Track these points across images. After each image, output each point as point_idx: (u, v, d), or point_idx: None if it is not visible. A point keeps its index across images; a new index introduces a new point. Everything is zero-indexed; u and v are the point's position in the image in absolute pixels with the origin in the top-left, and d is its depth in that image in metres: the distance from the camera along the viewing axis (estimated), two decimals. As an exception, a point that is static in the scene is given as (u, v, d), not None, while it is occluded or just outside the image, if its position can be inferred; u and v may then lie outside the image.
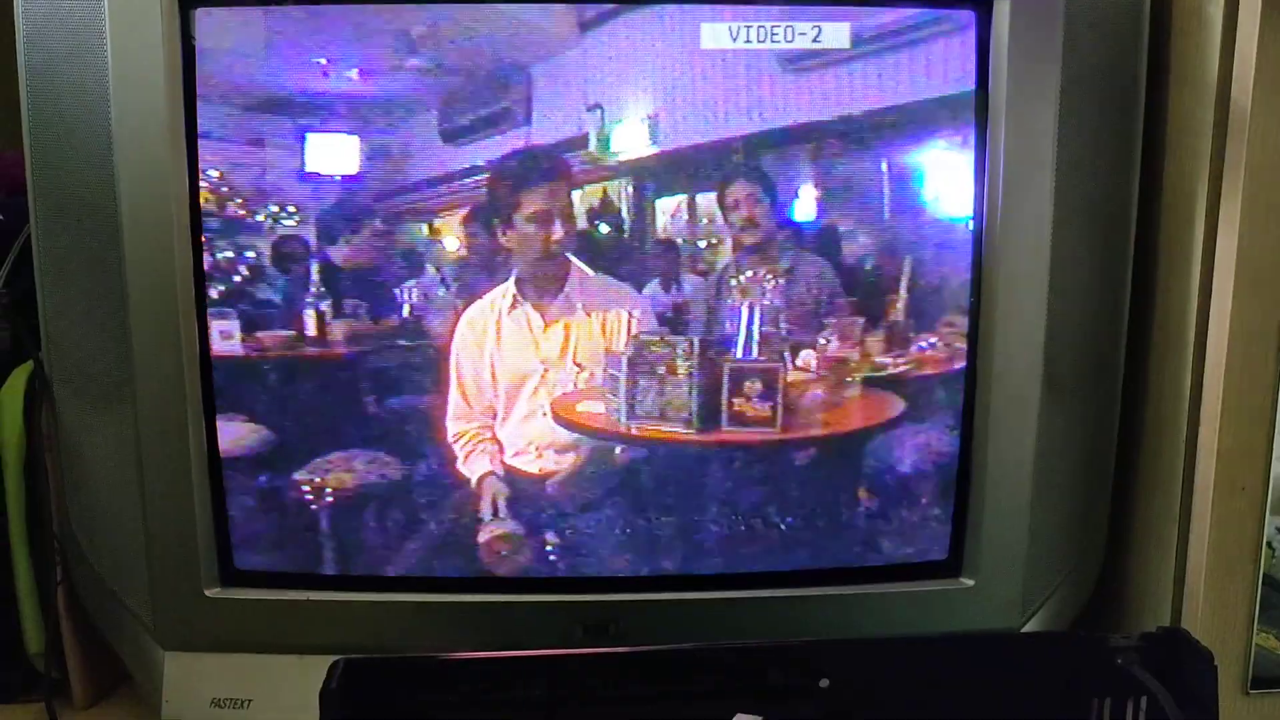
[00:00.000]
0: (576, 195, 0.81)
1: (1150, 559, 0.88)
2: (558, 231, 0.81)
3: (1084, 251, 0.83)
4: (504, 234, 0.81)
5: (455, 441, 0.84)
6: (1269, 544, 0.99)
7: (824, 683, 0.70)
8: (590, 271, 0.82)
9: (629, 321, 0.83)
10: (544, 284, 0.83)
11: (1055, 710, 0.72)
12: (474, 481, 0.84)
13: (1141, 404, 0.89)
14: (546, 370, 0.83)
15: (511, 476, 0.84)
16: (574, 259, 0.82)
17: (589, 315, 0.83)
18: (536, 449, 0.84)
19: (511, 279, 0.82)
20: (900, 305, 0.83)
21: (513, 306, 0.83)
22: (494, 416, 0.84)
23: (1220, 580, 0.82)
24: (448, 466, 0.84)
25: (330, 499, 0.83)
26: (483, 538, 0.84)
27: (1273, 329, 0.78)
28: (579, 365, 0.83)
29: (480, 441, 0.84)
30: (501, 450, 0.84)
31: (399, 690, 0.68)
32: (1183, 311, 0.83)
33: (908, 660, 0.72)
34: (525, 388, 0.84)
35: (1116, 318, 0.87)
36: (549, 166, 0.81)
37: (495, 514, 0.84)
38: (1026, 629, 0.87)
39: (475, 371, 0.83)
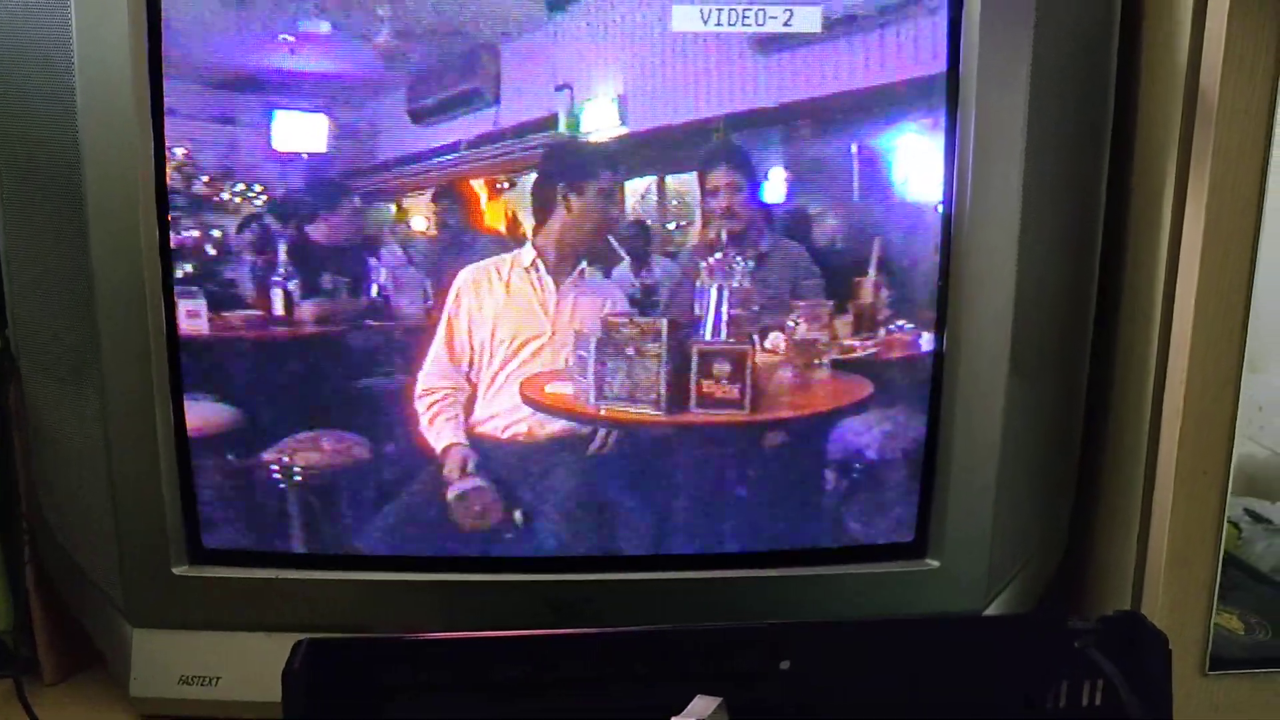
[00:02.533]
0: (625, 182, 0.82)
1: (1113, 541, 0.89)
2: (603, 217, 0.82)
3: (1052, 235, 0.84)
4: (566, 199, 0.82)
5: (423, 397, 0.83)
6: (1235, 525, 1.01)
7: (784, 664, 0.70)
8: (621, 251, 0.83)
9: (602, 302, 0.83)
10: (566, 254, 0.82)
11: (1014, 692, 0.73)
12: (440, 450, 0.84)
13: (1107, 387, 0.89)
14: (554, 334, 0.83)
15: (480, 443, 0.84)
16: (613, 240, 0.82)
17: (582, 295, 0.83)
18: (512, 423, 0.84)
19: (528, 244, 0.82)
20: (869, 288, 0.84)
21: (530, 267, 0.82)
22: (472, 379, 0.84)
23: (1181, 563, 0.83)
24: (415, 442, 0.84)
25: (299, 478, 0.83)
26: (452, 494, 0.84)
27: (1237, 314, 0.79)
28: (579, 334, 0.83)
29: (450, 404, 0.84)
30: (471, 413, 0.84)
31: (363, 670, 0.69)
32: (1148, 296, 0.83)
33: (867, 642, 0.73)
34: (524, 350, 0.83)
35: (1084, 301, 0.87)
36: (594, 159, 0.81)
37: (464, 472, 0.84)
38: (991, 609, 0.88)
39: (470, 327, 0.83)
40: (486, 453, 0.85)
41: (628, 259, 0.83)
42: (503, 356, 0.83)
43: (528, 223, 0.82)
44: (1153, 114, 0.83)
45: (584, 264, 0.83)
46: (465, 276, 0.82)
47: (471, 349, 0.83)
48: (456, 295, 0.82)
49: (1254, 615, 0.91)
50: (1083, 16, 0.82)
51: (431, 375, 0.83)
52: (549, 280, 0.83)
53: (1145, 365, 0.84)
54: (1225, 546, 0.83)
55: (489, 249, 0.82)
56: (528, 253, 0.82)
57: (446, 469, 0.84)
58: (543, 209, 0.82)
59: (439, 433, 0.84)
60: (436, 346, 0.83)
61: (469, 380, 0.84)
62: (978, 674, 0.73)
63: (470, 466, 0.84)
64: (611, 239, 0.82)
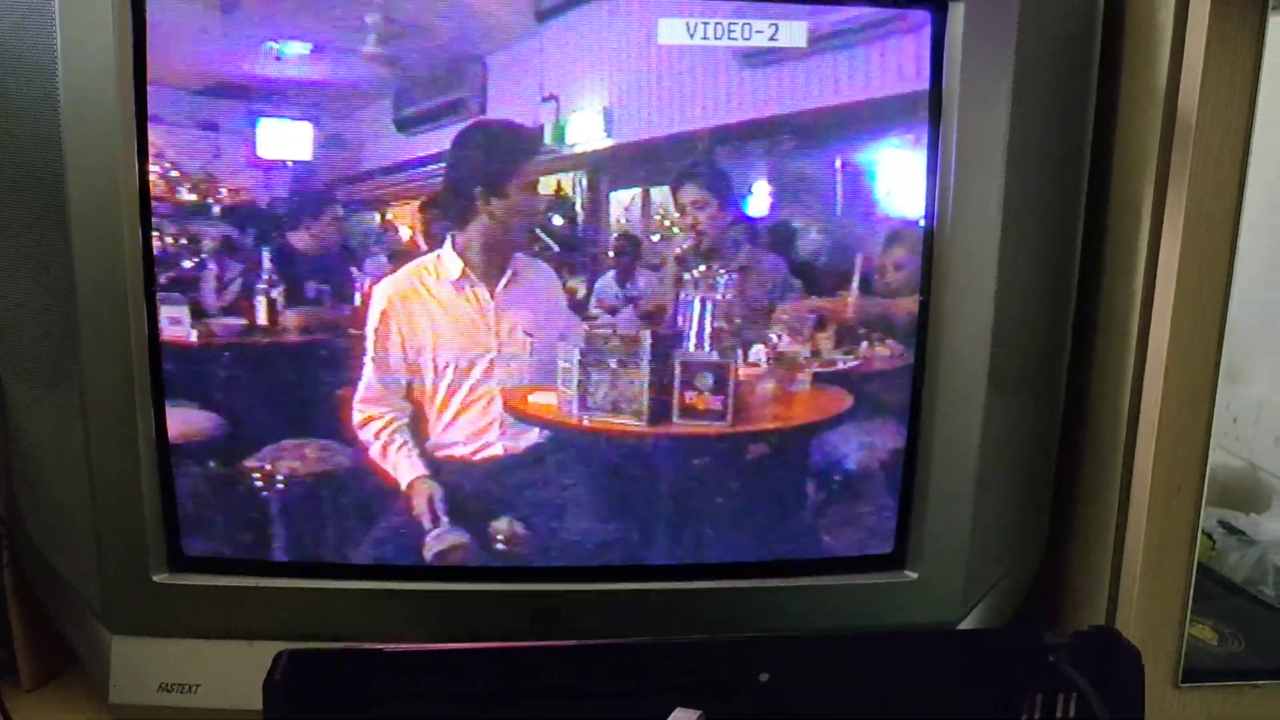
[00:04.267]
0: (542, 180, 0.81)
1: (1089, 554, 0.90)
2: (522, 213, 0.81)
3: (1032, 252, 0.85)
4: (488, 203, 0.81)
5: (364, 427, 0.83)
6: (1209, 536, 1.02)
7: (763, 677, 0.71)
8: (546, 259, 0.82)
9: (580, 312, 0.83)
10: (494, 264, 0.82)
11: (990, 704, 0.74)
12: (404, 486, 0.84)
13: (1084, 402, 0.90)
14: (501, 349, 0.83)
15: (446, 472, 0.84)
16: (543, 234, 0.82)
17: (540, 302, 0.83)
18: (485, 435, 0.84)
19: (448, 246, 0.81)
20: (850, 302, 0.84)
21: (461, 280, 0.82)
22: (420, 399, 0.83)
23: (1155, 577, 0.84)
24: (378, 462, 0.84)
25: (280, 486, 0.83)
26: (430, 551, 0.85)
27: (1212, 332, 0.80)
28: (530, 340, 0.83)
29: (397, 430, 0.83)
30: (426, 438, 0.84)
31: (343, 681, 0.69)
32: (1126, 312, 0.84)
33: (845, 655, 0.74)
34: (474, 370, 0.83)
35: (1062, 317, 0.88)
36: (517, 145, 0.80)
37: (436, 519, 0.84)
38: (968, 621, 0.89)
39: (406, 347, 0.82)
40: (455, 483, 0.84)
41: (611, 271, 0.83)
42: (451, 377, 0.83)
43: (456, 230, 0.81)
44: (1132, 133, 0.84)
45: (511, 271, 0.82)
46: (384, 294, 0.81)
47: (413, 369, 0.83)
48: (382, 314, 0.82)
49: (1227, 626, 0.92)
50: (1064, 36, 0.83)
51: (370, 402, 0.83)
52: (482, 291, 0.82)
53: (1121, 380, 0.85)
54: (1199, 558, 0.84)
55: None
56: (454, 264, 0.82)
57: (416, 509, 0.84)
58: (466, 215, 0.81)
59: (396, 465, 0.84)
60: (369, 369, 0.82)
61: (412, 401, 0.83)
62: (954, 686, 0.74)
63: (440, 508, 0.84)
64: (552, 242, 0.82)
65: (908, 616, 0.87)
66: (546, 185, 0.82)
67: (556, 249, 0.82)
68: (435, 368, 0.83)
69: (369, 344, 0.82)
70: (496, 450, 0.84)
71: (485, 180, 0.81)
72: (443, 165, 0.80)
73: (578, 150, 0.81)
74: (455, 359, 0.83)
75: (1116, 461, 0.86)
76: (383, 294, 0.81)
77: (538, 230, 0.82)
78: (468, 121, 0.80)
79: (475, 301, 0.83)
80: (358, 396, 0.82)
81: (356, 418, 0.83)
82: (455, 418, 0.84)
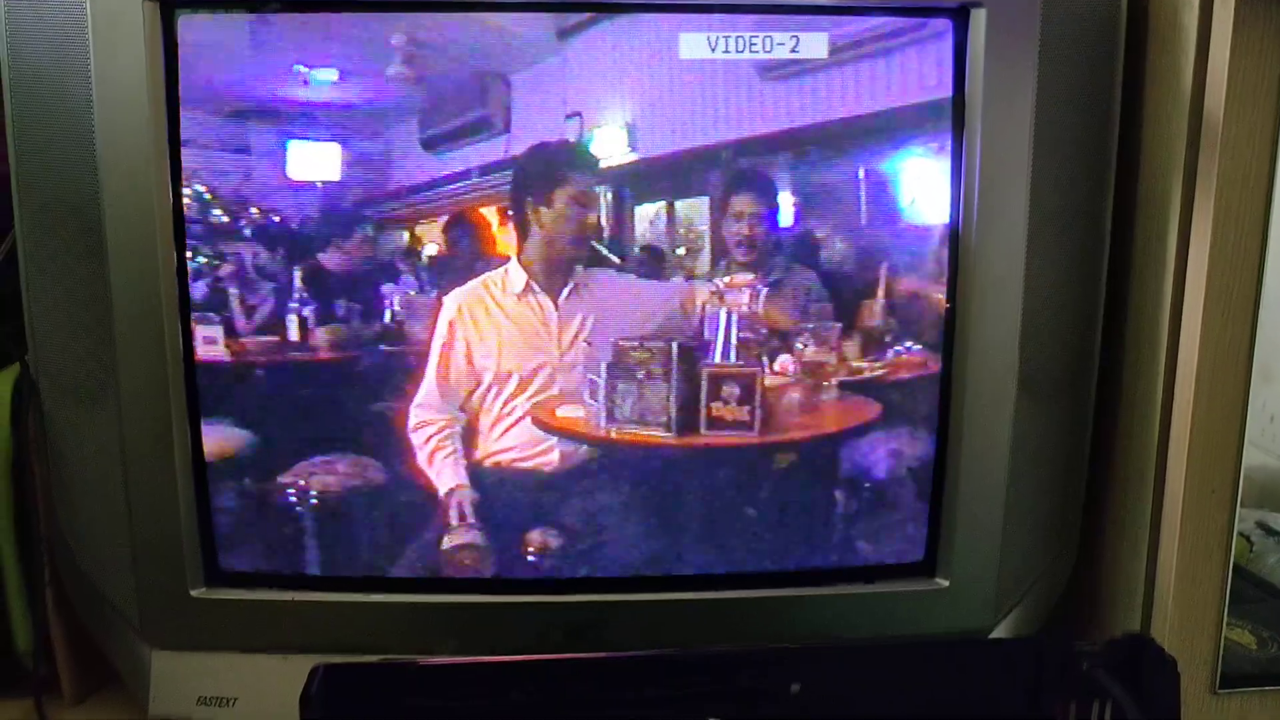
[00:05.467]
0: (565, 194, 0.82)
1: (1122, 560, 0.89)
2: (583, 224, 0.82)
3: (1059, 257, 0.84)
4: (535, 211, 0.82)
5: (416, 430, 0.84)
6: (1246, 538, 1.01)
7: (795, 687, 0.71)
8: (611, 269, 0.83)
9: (619, 323, 0.84)
10: (556, 275, 0.83)
11: (1023, 713, 0.73)
12: (443, 493, 0.85)
13: (1115, 407, 0.90)
14: (562, 357, 0.84)
15: (485, 480, 0.85)
16: (600, 247, 0.83)
17: (589, 313, 0.84)
18: (520, 447, 0.85)
19: (515, 263, 0.83)
20: (877, 310, 0.84)
21: (525, 292, 0.83)
22: (473, 409, 0.84)
23: (1190, 582, 0.83)
24: (424, 468, 0.85)
25: (315, 501, 0.84)
26: (445, 545, 0.85)
27: (1243, 336, 0.79)
28: (589, 356, 0.84)
29: (449, 437, 0.84)
30: (476, 446, 0.85)
31: (379, 695, 0.69)
32: (1155, 317, 0.84)
33: (877, 664, 0.73)
34: (535, 380, 0.84)
35: (1091, 323, 0.88)
36: (557, 161, 0.82)
37: (462, 519, 0.85)
38: (1000, 629, 0.89)
39: (466, 358, 0.84)
40: (491, 492, 0.85)
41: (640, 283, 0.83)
42: (512, 387, 0.84)
43: (518, 244, 0.83)
44: (1158, 135, 0.83)
45: (572, 284, 0.83)
46: (454, 304, 0.83)
47: (476, 379, 0.84)
48: (450, 324, 0.83)
49: (1266, 630, 0.91)
50: (1088, 41, 0.82)
51: (426, 408, 0.84)
52: (546, 302, 0.83)
53: (1153, 383, 0.85)
54: (1236, 560, 0.83)
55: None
56: (519, 276, 0.83)
57: (449, 516, 0.85)
58: (526, 229, 0.83)
59: (439, 473, 0.85)
60: (430, 377, 0.84)
61: (464, 410, 0.84)
62: (986, 695, 0.73)
63: (468, 512, 0.85)
64: (609, 254, 0.83)
65: (939, 625, 0.87)
66: (572, 198, 0.82)
67: (616, 260, 0.83)
68: (497, 377, 0.84)
69: (432, 354, 0.83)
70: (545, 460, 0.85)
71: (539, 196, 0.82)
72: (472, 182, 0.81)
73: (600, 165, 0.81)
74: (516, 368, 0.84)
75: (1149, 465, 0.85)
76: (451, 305, 0.83)
77: (591, 241, 0.83)
78: (488, 157, 0.81)
79: (539, 311, 0.84)
80: (415, 402, 0.83)
81: (411, 422, 0.84)
82: (511, 427, 0.85)
